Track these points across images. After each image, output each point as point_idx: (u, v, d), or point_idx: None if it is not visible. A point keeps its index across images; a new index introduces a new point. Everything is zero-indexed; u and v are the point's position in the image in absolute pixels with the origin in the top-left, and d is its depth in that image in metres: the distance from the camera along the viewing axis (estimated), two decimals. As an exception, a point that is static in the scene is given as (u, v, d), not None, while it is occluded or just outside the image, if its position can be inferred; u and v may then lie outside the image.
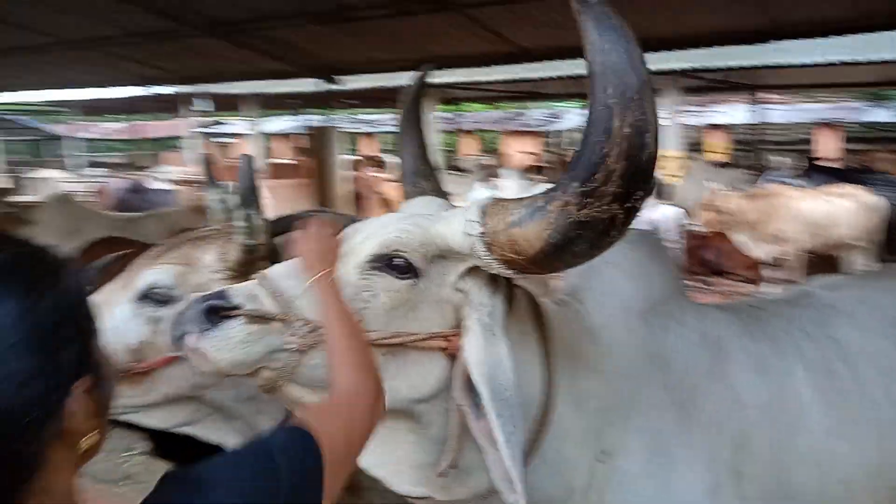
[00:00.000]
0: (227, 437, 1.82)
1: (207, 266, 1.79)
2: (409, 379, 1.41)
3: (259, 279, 1.41)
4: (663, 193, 7.45)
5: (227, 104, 16.77)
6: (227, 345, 1.32)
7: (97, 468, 1.37)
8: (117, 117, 29.22)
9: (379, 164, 14.95)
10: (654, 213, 7.13)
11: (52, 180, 12.20)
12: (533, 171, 14.96)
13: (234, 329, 1.33)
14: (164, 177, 12.05)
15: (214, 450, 1.86)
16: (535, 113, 25.28)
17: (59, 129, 26.27)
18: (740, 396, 1.74)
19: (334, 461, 0.88)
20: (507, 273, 1.38)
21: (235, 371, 1.35)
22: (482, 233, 1.36)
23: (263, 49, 6.06)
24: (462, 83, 12.25)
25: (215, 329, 1.32)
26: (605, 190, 1.20)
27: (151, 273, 1.74)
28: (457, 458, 1.42)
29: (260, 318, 1.32)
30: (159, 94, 13.92)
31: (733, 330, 1.86)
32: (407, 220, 1.49)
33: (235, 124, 24.53)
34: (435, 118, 14.74)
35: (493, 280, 1.47)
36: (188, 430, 1.80)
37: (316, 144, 6.81)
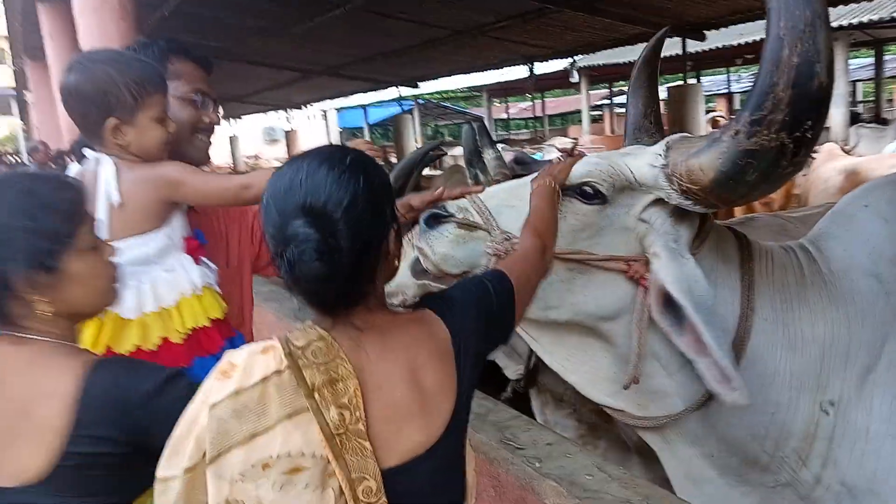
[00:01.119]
0: (496, 354, 2.21)
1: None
2: (594, 295, 1.57)
3: (471, 198, 1.65)
4: None
5: (621, 74, 17.18)
6: (440, 241, 1.62)
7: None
8: (530, 97, 32.09)
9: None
10: None
11: (461, 157, 14.28)
12: None
13: (447, 230, 1.62)
14: (550, 147, 13.13)
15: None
16: None
17: (479, 111, 30.16)
18: None
19: (519, 289, 1.24)
20: (686, 204, 1.45)
21: (448, 266, 1.62)
22: (664, 164, 1.48)
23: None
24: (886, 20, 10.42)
25: (433, 229, 1.63)
26: (773, 118, 1.22)
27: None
28: (638, 374, 1.52)
29: (467, 225, 1.60)
30: (555, 72, 14.99)
31: None
32: (601, 156, 1.64)
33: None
34: (849, 66, 12.77)
35: (680, 214, 1.53)
36: None
37: (677, 104, 6.67)
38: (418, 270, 2.04)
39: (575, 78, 14.60)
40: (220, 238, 1.85)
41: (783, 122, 1.21)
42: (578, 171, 1.59)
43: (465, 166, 2.28)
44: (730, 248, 1.63)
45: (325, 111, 27.83)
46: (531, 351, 2.10)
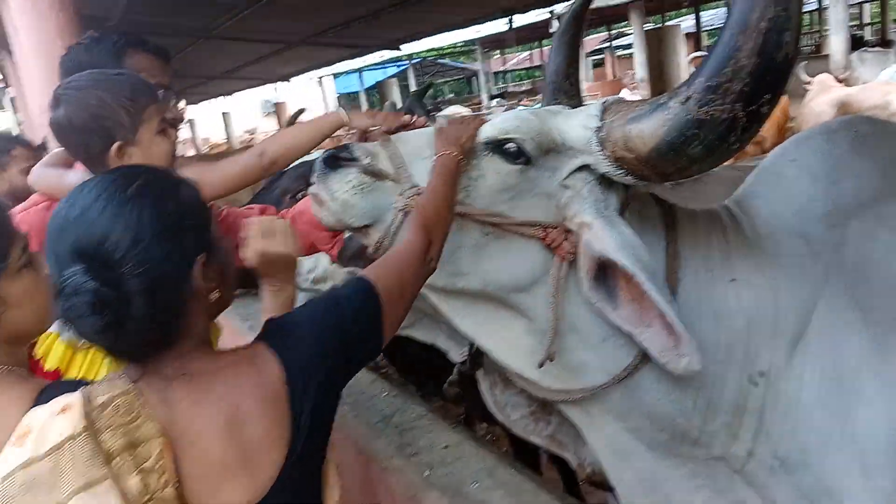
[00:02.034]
0: (438, 337, 2.15)
1: None
2: (507, 263, 1.46)
3: (383, 142, 1.52)
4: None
5: (618, 15, 16.69)
6: (340, 188, 1.43)
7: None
8: (522, 48, 31.44)
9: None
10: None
11: (456, 115, 14.08)
12: None
13: (349, 175, 1.44)
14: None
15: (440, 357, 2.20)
16: None
17: (475, 66, 29.64)
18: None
19: (390, 303, 1.12)
20: (616, 174, 1.36)
21: (348, 217, 1.44)
22: (598, 127, 1.37)
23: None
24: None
25: (333, 172, 1.45)
26: (730, 87, 1.12)
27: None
28: (554, 351, 1.44)
29: (374, 173, 1.44)
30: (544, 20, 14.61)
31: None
32: (531, 111, 1.52)
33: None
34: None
35: (608, 183, 1.44)
36: (407, 332, 2.18)
37: (653, 48, 6.44)
38: (346, 257, 1.96)
39: (554, 27, 14.23)
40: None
41: (741, 93, 1.11)
42: (503, 126, 1.46)
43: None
44: (653, 216, 1.53)
45: (320, 78, 27.51)
46: None
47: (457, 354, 2.15)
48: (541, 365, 1.46)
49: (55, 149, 1.77)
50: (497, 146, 1.45)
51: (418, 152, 1.50)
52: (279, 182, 2.93)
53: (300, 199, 2.77)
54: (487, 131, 1.48)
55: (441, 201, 1.33)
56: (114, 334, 0.89)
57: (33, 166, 1.72)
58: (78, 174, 1.55)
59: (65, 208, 0.92)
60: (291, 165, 3.00)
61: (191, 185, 1.04)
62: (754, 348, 1.46)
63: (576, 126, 1.42)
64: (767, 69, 1.09)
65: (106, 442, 0.87)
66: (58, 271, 0.88)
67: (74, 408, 0.89)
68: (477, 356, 2.11)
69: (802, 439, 1.45)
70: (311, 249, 1.89)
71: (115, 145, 1.44)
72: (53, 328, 1.30)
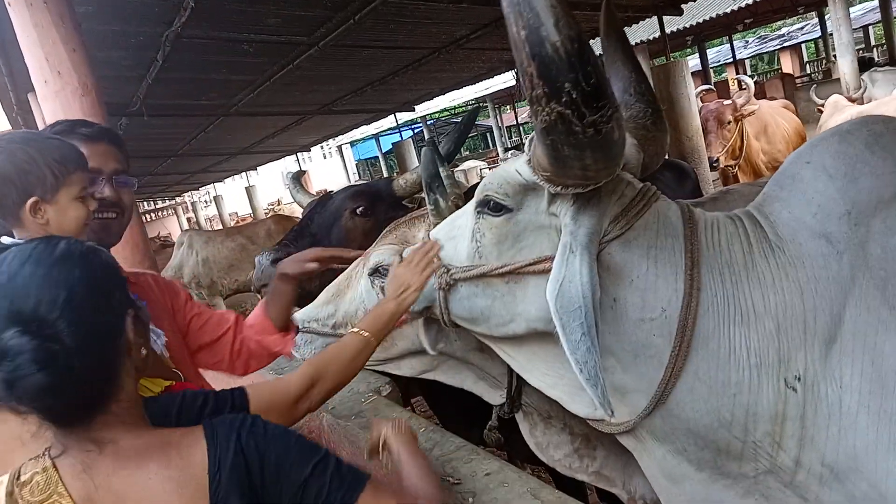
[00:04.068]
0: (465, 380, 2.13)
1: (419, 240, 2.13)
2: (533, 302, 1.53)
3: (423, 238, 1.74)
4: None
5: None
6: None
7: (342, 407, 1.82)
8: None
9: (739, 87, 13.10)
10: None
11: (473, 169, 14.31)
12: None
13: None
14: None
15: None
16: None
17: (488, 122, 30.15)
18: None
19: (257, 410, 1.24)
20: (564, 191, 1.40)
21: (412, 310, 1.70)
22: (528, 160, 1.45)
23: None
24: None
25: (379, 280, 1.74)
26: (537, 95, 1.18)
27: (376, 254, 2.15)
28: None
29: None
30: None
31: None
32: (495, 170, 1.63)
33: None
34: (850, 13, 12.38)
35: (584, 199, 1.46)
36: (431, 376, 2.16)
37: (663, 82, 6.49)
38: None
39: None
40: (163, 307, 1.84)
41: (546, 95, 1.16)
42: (481, 189, 1.59)
43: (425, 192, 2.25)
44: (673, 222, 1.54)
45: (340, 146, 28.14)
46: (511, 372, 2.02)
47: (494, 397, 2.13)
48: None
49: None
50: (483, 206, 1.59)
51: (447, 236, 1.73)
52: (334, 199, 3.20)
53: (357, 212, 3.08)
54: (473, 201, 1.63)
55: (346, 362, 1.49)
56: (54, 393, 0.88)
57: None
58: None
59: None
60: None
61: (105, 255, 1.07)
62: (786, 351, 1.43)
63: (522, 165, 1.50)
64: (545, 66, 1.13)
65: None
66: None
67: (2, 485, 0.90)
68: (517, 397, 2.09)
69: (850, 444, 1.40)
70: (271, 357, 1.97)
71: (32, 200, 1.47)
72: None
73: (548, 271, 1.47)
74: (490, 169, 14.39)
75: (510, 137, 29.27)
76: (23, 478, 0.91)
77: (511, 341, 1.67)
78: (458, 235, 1.69)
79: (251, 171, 17.59)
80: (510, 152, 20.18)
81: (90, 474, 0.92)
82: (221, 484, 0.95)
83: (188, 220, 24.66)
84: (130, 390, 1.00)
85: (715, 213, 1.59)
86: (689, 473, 1.56)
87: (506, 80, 13.57)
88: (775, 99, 9.79)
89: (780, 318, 1.44)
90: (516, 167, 1.53)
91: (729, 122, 5.73)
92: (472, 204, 1.65)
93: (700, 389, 1.45)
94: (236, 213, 23.70)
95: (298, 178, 4.54)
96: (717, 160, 5.66)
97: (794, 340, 1.43)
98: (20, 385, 0.87)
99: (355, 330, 1.57)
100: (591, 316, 1.34)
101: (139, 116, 7.01)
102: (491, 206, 1.56)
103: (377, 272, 2.07)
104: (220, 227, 18.06)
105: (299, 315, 2.04)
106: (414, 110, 11.52)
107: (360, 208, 3.30)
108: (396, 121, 14.58)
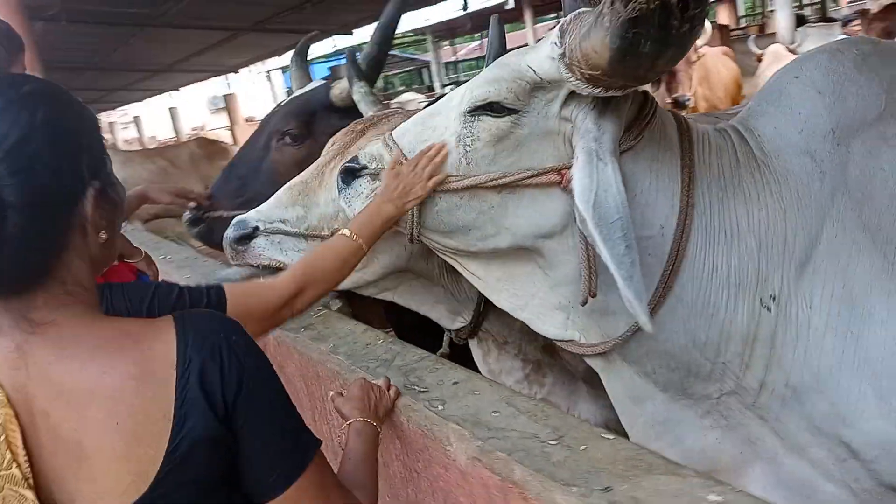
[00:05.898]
0: (423, 304, 2.00)
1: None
2: (528, 216, 1.41)
3: (385, 139, 1.56)
4: None
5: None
6: (357, 200, 1.55)
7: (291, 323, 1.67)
8: (472, 37, 31.36)
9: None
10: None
11: (410, 102, 13.94)
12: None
13: (362, 185, 1.55)
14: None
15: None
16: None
17: (427, 56, 29.44)
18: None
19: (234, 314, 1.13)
20: (597, 92, 1.27)
21: None
22: (561, 54, 1.29)
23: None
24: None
25: (348, 187, 1.56)
26: None
27: (367, 149, 1.94)
28: (594, 287, 1.36)
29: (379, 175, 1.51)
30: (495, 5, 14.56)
31: None
32: (499, 64, 1.45)
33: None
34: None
35: (604, 103, 1.36)
36: (388, 296, 2.00)
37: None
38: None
39: (511, 4, 14.20)
40: None
41: None
42: (477, 94, 1.40)
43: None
44: (671, 134, 1.46)
45: (268, 72, 26.94)
46: (480, 297, 1.93)
47: (450, 323, 2.04)
48: (583, 302, 1.38)
49: None
50: (481, 109, 1.40)
51: (418, 138, 1.51)
52: (269, 122, 2.80)
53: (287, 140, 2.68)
54: (467, 101, 1.43)
55: (335, 268, 1.40)
56: None
57: None
58: None
59: None
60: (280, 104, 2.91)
61: (91, 111, 0.92)
62: (765, 271, 1.41)
63: (543, 59, 1.34)
64: None
65: None
66: None
67: None
68: (478, 323, 2.01)
69: (814, 364, 1.40)
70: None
71: None
72: None
73: (552, 183, 1.37)
74: (429, 103, 13.93)
75: (447, 74, 28.69)
76: None
77: (481, 260, 1.55)
78: (431, 138, 1.49)
79: (174, 92, 16.61)
80: (448, 87, 19.83)
81: (25, 361, 0.79)
82: (190, 385, 0.81)
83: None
84: (80, 275, 0.85)
85: (703, 125, 1.52)
86: (653, 394, 1.54)
87: (449, 11, 13.18)
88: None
89: (761, 236, 1.40)
90: (527, 63, 1.37)
91: (693, 62, 5.61)
92: (456, 105, 1.46)
93: (681, 311, 1.41)
94: (156, 137, 22.42)
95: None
96: (689, 98, 5.45)
97: (773, 259, 1.40)
98: None
99: (345, 233, 1.43)
100: (630, 228, 1.25)
101: (57, 22, 6.42)
102: (494, 109, 1.38)
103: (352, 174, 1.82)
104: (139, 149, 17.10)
105: (253, 215, 1.83)
106: (352, 34, 11.03)
107: (292, 132, 2.74)
108: (333, 47, 13.97)
